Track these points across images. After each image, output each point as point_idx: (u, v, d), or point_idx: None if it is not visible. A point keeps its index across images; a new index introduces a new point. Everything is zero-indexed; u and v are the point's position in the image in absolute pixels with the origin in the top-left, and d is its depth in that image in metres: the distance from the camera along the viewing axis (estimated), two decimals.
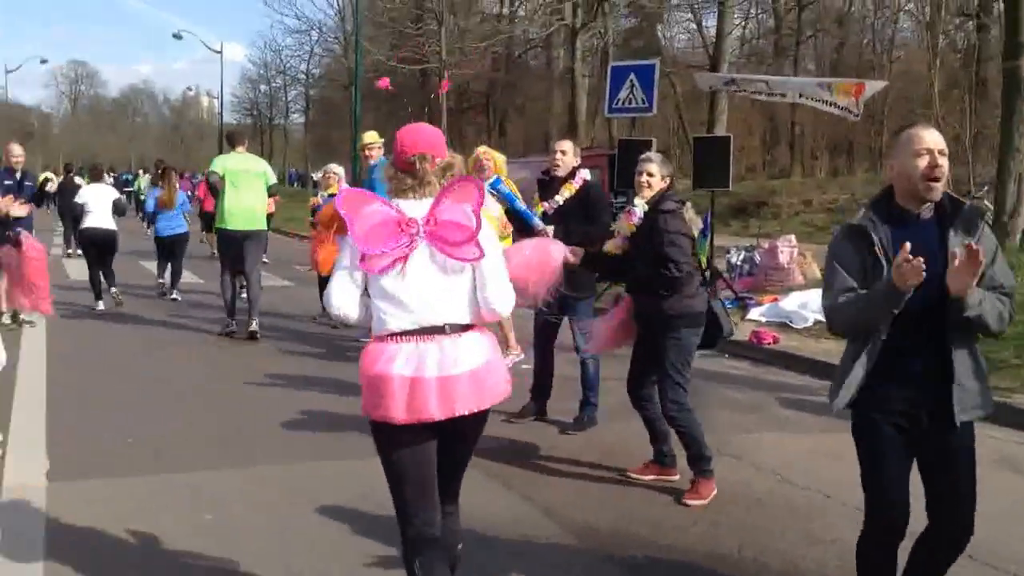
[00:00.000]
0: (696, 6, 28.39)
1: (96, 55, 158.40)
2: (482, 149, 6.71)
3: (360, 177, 17.53)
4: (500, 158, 6.52)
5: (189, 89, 74.28)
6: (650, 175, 4.55)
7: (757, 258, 11.39)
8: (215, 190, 8.62)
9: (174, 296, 11.19)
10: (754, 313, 9.33)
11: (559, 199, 5.51)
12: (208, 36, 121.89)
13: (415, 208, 2.74)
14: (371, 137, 8.79)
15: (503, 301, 2.84)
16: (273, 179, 8.95)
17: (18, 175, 8.38)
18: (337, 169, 9.42)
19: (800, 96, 10.87)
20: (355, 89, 21.15)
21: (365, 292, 2.80)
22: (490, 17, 35.41)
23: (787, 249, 11.06)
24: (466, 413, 2.68)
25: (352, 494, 4.34)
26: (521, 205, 5.81)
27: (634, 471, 4.75)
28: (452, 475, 2.94)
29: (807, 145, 34.26)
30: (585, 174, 5.55)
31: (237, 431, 5.58)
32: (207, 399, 6.37)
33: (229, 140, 9.13)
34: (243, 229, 8.42)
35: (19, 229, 5.79)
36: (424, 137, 2.85)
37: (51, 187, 10.67)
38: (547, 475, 4.82)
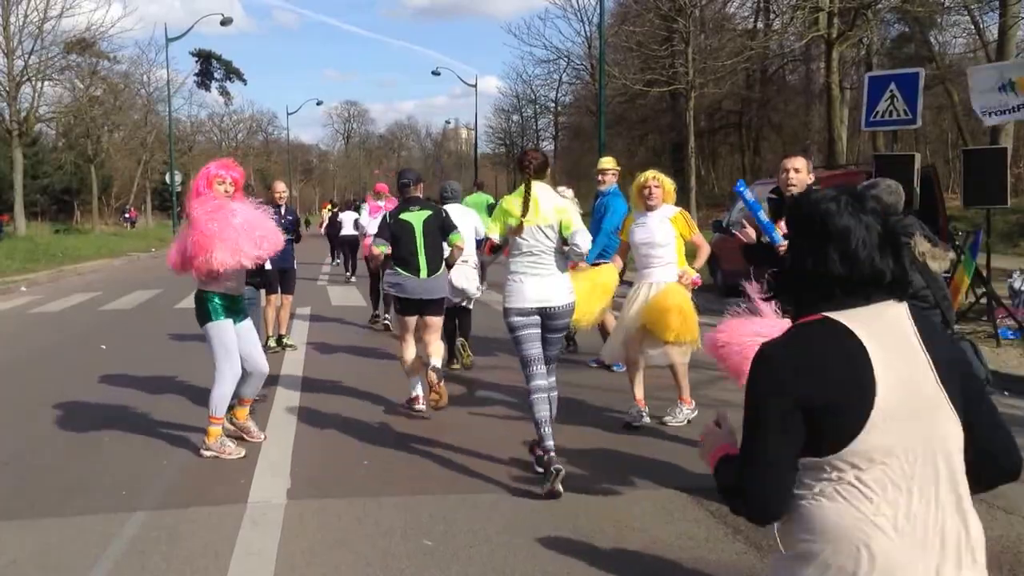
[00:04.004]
0: (973, 5, 25.65)
1: (365, 95, 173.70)
2: (651, 173, 6.58)
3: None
4: (669, 183, 6.54)
5: (448, 122, 79.17)
6: None
7: None
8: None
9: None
10: None
11: None
12: (465, 71, 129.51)
13: (383, 206, 10.01)
14: (609, 163, 8.69)
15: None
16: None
17: (282, 209, 9.15)
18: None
19: None
20: (600, 115, 21.37)
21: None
22: (742, 33, 34.46)
23: None
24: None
25: (569, 527, 4.26)
26: (765, 217, 5.38)
27: None
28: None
29: None
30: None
31: (475, 457, 5.60)
32: (442, 424, 6.46)
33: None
34: None
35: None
36: (383, 185, 11.69)
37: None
38: None
